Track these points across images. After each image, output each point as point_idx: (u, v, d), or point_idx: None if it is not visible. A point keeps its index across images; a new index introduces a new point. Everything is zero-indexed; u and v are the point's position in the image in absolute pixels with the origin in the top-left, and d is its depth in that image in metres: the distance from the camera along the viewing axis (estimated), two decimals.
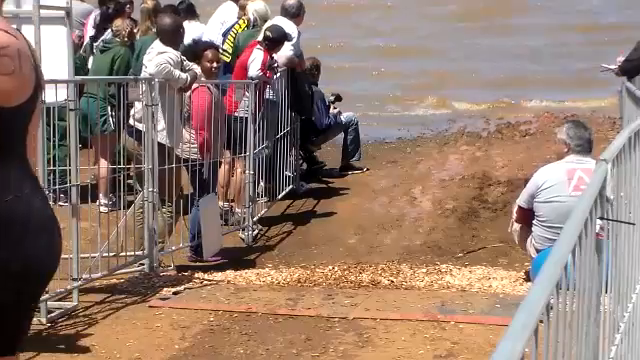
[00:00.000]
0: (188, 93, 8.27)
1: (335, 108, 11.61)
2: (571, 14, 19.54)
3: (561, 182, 7.02)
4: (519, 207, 7.38)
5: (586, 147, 7.15)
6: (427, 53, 17.83)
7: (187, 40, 9.25)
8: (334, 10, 20.96)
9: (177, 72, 7.85)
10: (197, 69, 8.16)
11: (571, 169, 7.05)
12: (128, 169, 8.32)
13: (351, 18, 20.69)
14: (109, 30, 10.37)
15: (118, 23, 10.02)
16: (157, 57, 7.90)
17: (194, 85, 8.25)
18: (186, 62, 8.07)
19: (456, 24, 19.51)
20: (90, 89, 9.23)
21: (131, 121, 8.09)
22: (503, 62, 16.85)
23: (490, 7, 20.32)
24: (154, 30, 10.36)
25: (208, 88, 8.52)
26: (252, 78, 9.41)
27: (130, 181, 8.93)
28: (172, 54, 7.92)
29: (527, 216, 7.32)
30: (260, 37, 9.79)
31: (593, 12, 20.16)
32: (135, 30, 10.58)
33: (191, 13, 10.92)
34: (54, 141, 7.15)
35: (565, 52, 17.14)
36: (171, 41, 8.05)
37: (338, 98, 11.77)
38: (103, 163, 9.35)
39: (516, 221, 7.50)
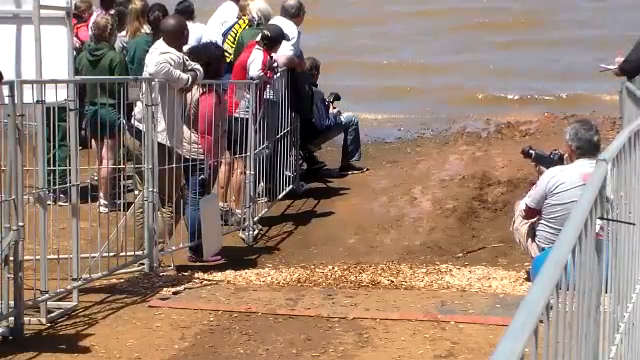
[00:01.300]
0: (195, 96, 8.27)
1: (334, 108, 11.61)
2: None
3: (577, 187, 6.77)
4: (528, 207, 7.27)
5: (587, 149, 6.99)
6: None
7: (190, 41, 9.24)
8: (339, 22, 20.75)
9: (177, 72, 7.84)
10: (200, 69, 8.15)
11: (586, 174, 6.88)
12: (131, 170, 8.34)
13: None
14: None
15: (102, 23, 9.98)
16: (158, 57, 7.91)
17: (201, 89, 8.26)
18: (189, 62, 8.07)
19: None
20: (93, 97, 9.08)
21: (132, 120, 8.10)
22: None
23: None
24: (143, 30, 10.36)
25: (217, 93, 8.53)
26: (253, 78, 9.41)
27: (130, 181, 8.94)
28: (174, 54, 7.92)
29: (535, 214, 7.29)
30: (258, 37, 9.78)
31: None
32: (125, 31, 10.59)
33: (187, 14, 10.89)
34: (54, 141, 7.15)
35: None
36: (174, 42, 8.05)
37: (337, 97, 11.77)
38: (104, 164, 9.37)
39: (525, 217, 7.42)
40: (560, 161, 7.54)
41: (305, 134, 10.93)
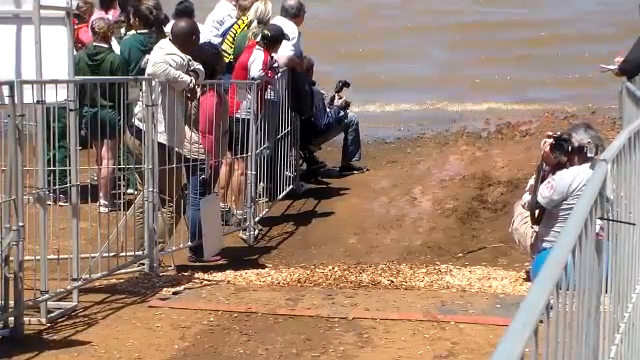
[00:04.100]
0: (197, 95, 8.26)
1: (341, 97, 11.56)
2: None
3: None
4: (543, 208, 7.13)
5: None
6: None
7: None
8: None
9: (177, 73, 7.84)
10: (201, 69, 8.15)
11: None
12: (129, 169, 8.33)
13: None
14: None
15: (101, 24, 9.97)
16: (159, 57, 7.91)
17: (200, 90, 8.26)
18: (191, 62, 8.07)
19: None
20: (93, 99, 9.06)
21: (133, 119, 8.09)
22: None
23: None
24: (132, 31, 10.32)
25: (217, 92, 8.52)
26: (254, 78, 9.41)
27: (124, 182, 8.93)
28: (177, 56, 7.92)
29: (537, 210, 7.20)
30: (259, 37, 9.78)
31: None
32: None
33: (187, 14, 10.87)
34: (54, 142, 7.13)
35: None
36: (181, 44, 8.05)
37: (346, 84, 11.66)
38: (104, 164, 9.36)
39: (535, 223, 7.29)
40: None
41: (305, 133, 10.93)
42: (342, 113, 11.46)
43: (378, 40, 19.27)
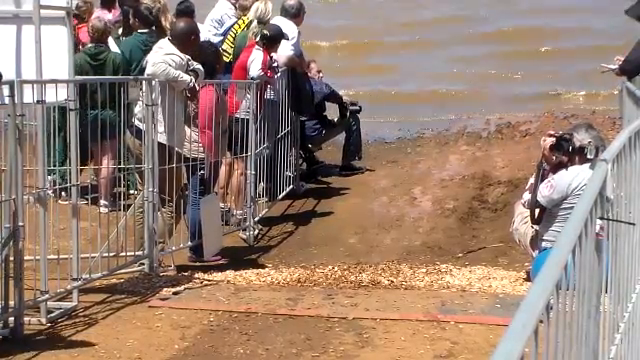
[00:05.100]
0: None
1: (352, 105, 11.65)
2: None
3: None
4: (543, 207, 7.16)
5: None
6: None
7: None
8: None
9: (177, 73, 7.84)
10: (201, 69, 8.15)
11: None
12: (128, 169, 8.33)
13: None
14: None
15: (97, 25, 9.96)
16: (159, 57, 7.91)
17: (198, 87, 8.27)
18: (191, 62, 8.07)
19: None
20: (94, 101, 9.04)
21: (134, 120, 8.09)
22: None
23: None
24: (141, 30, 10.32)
25: (214, 87, 8.53)
26: (253, 78, 9.42)
27: (130, 179, 8.92)
28: (176, 56, 7.92)
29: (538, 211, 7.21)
30: (258, 37, 9.79)
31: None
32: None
33: (188, 14, 10.87)
34: (54, 143, 7.13)
35: None
36: (180, 44, 8.05)
37: (357, 111, 11.72)
38: (104, 164, 9.36)
39: (535, 223, 7.31)
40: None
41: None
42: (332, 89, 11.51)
43: (381, 54, 19.22)
